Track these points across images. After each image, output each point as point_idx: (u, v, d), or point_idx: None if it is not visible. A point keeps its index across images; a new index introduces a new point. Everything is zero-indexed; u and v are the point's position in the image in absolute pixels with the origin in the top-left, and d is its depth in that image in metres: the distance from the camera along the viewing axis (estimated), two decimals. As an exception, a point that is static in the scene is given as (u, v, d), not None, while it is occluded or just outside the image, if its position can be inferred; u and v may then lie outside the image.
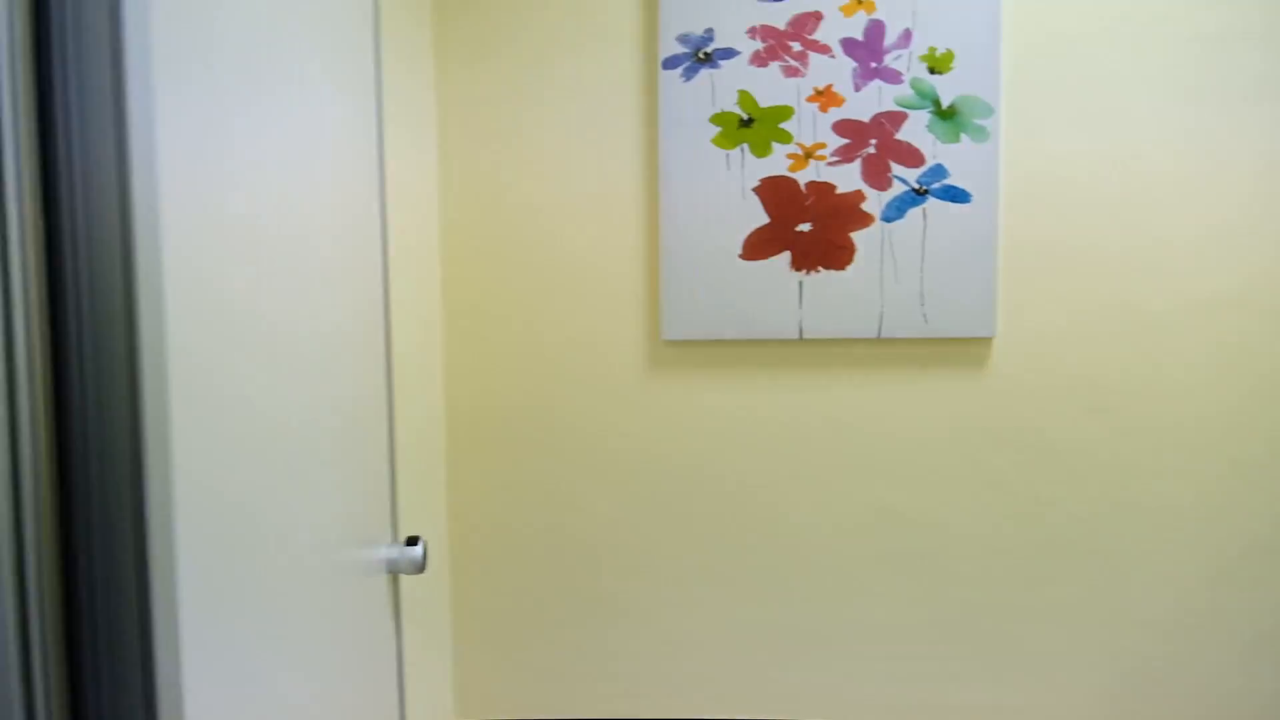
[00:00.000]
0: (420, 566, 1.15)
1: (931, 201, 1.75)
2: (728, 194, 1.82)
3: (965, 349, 1.78)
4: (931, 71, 1.73)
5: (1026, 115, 1.73)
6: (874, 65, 1.75)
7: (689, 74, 1.81)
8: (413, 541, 1.16)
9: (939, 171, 1.74)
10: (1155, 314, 1.72)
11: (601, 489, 1.92)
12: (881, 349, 1.81)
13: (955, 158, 1.73)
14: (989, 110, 1.72)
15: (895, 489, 1.82)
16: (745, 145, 1.81)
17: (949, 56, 1.72)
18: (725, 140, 1.81)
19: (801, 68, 1.78)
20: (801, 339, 1.82)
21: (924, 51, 1.73)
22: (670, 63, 1.82)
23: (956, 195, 1.74)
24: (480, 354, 1.93)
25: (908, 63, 1.74)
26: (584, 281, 1.90)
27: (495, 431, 1.93)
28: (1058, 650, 1.80)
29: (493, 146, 1.89)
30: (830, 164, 1.78)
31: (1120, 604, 1.77)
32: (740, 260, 1.83)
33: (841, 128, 1.77)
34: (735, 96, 1.80)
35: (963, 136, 1.73)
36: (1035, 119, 1.73)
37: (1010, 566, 1.80)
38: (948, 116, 1.73)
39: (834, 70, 1.77)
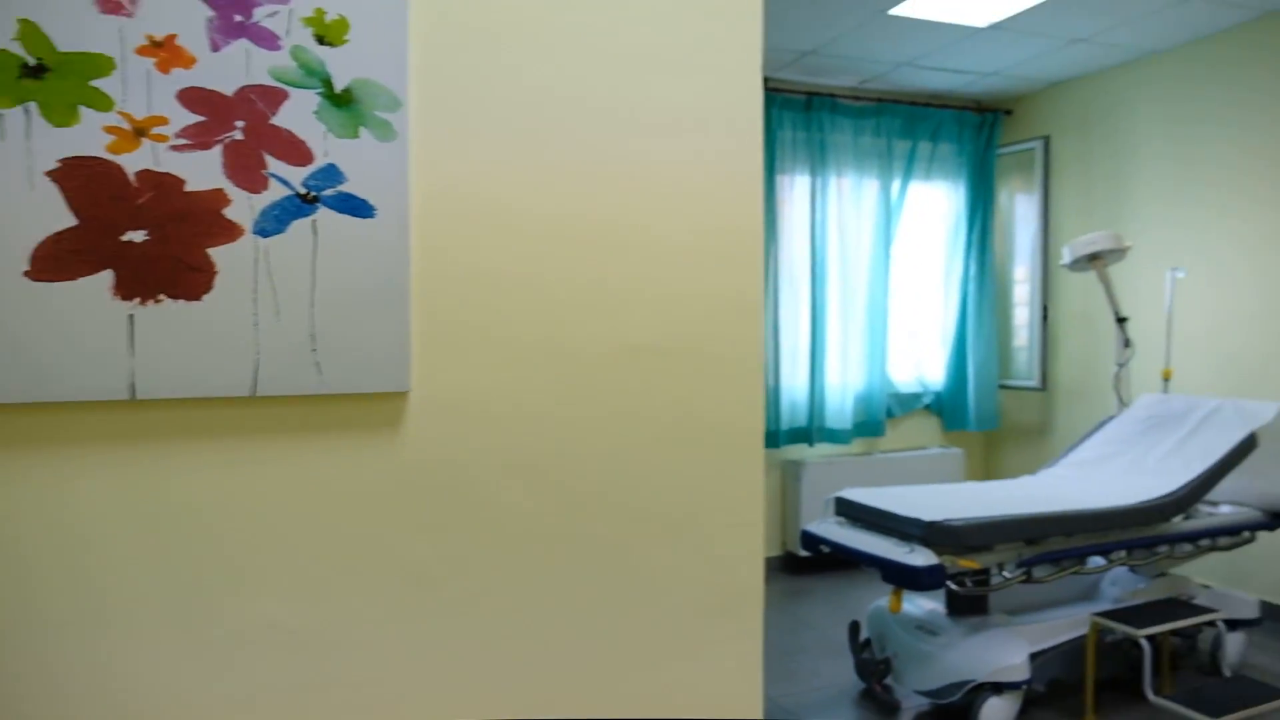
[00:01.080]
0: None
1: (324, 213, 1.32)
2: (2, 177, 1.17)
3: (373, 408, 1.37)
4: (320, 41, 1.31)
5: (443, 115, 1.40)
6: (239, 20, 1.27)
7: (-77, -20, 1.13)
8: None
9: (333, 174, 1.32)
10: (593, 361, 1.50)
11: None
12: (258, 412, 1.31)
13: (354, 158, 1.33)
14: (395, 102, 1.34)
15: (283, 599, 1.33)
16: (33, 105, 1.18)
17: (342, 25, 1.31)
18: (-5, 93, 1.17)
19: (127, 3, 1.22)
20: (135, 400, 1.24)
21: (309, 13, 1.30)
22: (-115, -45, 1.12)
23: (357, 207, 1.33)
24: None
25: (287, 24, 1.29)
26: None
27: None
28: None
29: None
30: (176, 148, 1.24)
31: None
32: (28, 280, 1.19)
33: (192, 99, 1.25)
34: (13, 28, 1.17)
35: (363, 131, 1.33)
36: (454, 121, 1.40)
37: (442, 682, 1.42)
38: (343, 103, 1.32)
39: (179, 16, 1.24)
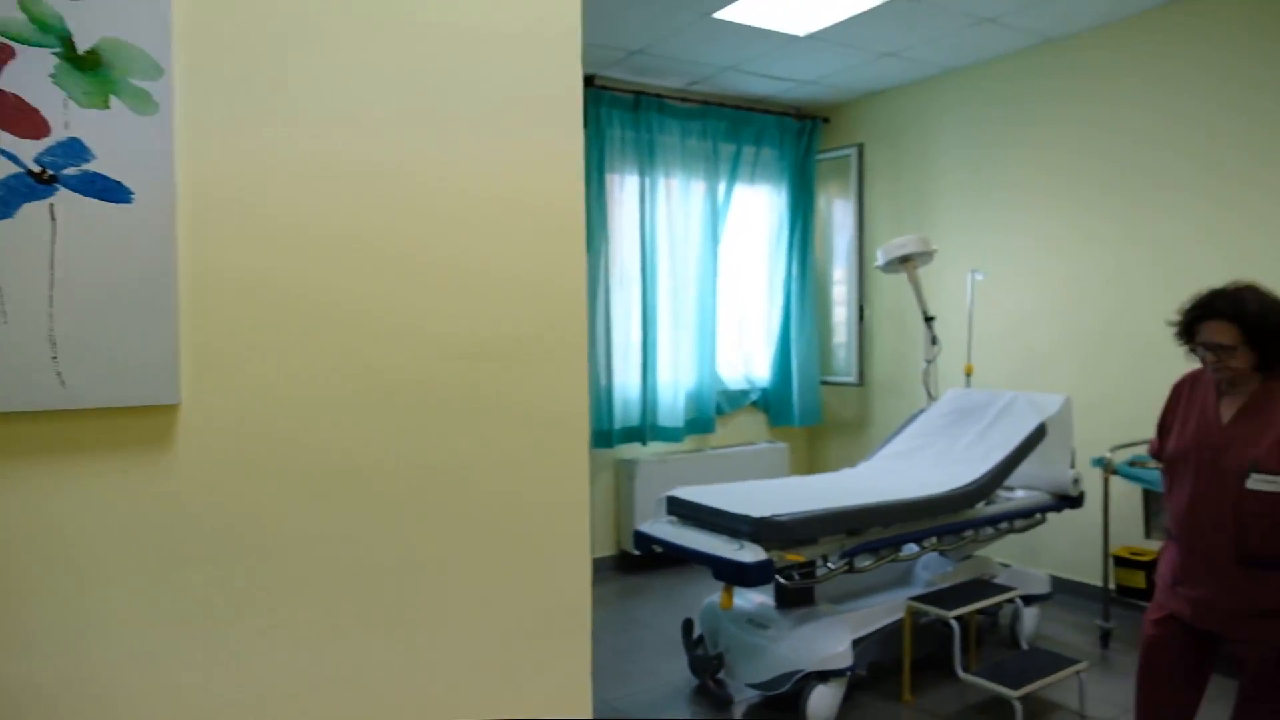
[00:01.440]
0: None
1: (65, 195, 1.11)
2: None
3: (134, 423, 1.18)
4: (58, -8, 1.10)
5: (218, 87, 1.22)
6: (-53, -41, 1.05)
7: None
8: None
9: (76, 150, 1.12)
10: (399, 365, 1.36)
11: None
12: (-19, 432, 1.09)
13: (104, 132, 1.13)
14: (155, 69, 1.16)
15: (31, 658, 1.11)
16: None
17: (86, -26, 1.12)
18: None
19: None
20: None
21: (41, -43, 1.09)
22: None
23: (108, 189, 1.14)
24: None
25: (12, -31, 1.08)
26: None
27: None
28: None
29: None
30: None
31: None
32: None
33: (-119, 51, 1.02)
34: None
35: (114, 101, 1.14)
36: (232, 95, 1.23)
37: (224, 730, 1.25)
38: (88, 67, 1.12)
39: None
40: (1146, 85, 4.08)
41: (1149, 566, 3.79)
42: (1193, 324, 2.37)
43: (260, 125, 1.25)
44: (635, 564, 5.08)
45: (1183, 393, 2.52)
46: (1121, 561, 3.93)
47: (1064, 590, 4.32)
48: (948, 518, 3.38)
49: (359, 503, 1.33)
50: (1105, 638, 3.78)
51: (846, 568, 3.15)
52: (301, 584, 1.29)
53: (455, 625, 1.42)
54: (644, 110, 5.01)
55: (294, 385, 1.27)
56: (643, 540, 3.31)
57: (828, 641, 3.07)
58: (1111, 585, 3.86)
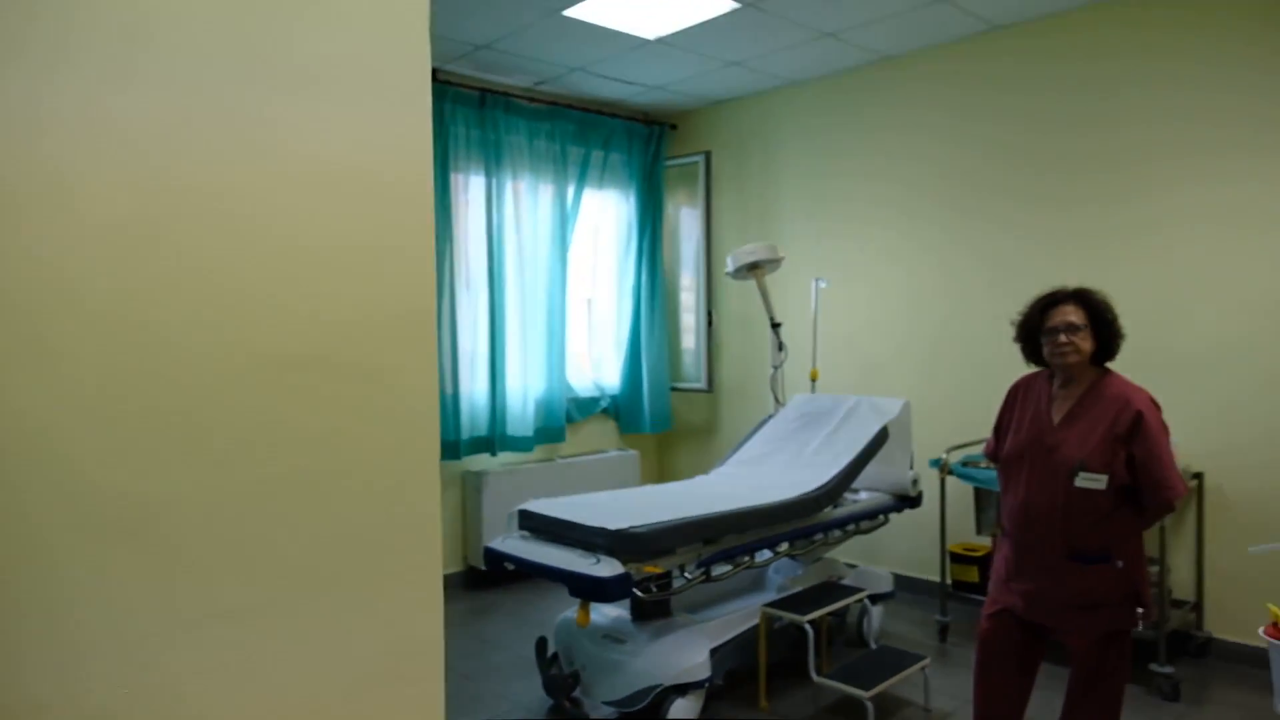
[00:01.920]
0: None
1: None
2: None
3: None
4: None
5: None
6: None
7: None
8: None
9: None
10: (207, 380, 1.16)
11: None
12: None
13: None
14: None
15: None
16: None
17: None
18: None
19: None
20: None
21: None
22: None
23: None
24: None
25: None
26: None
27: None
28: None
29: None
30: None
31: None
32: None
33: None
34: None
35: None
36: (-9, 51, 1.00)
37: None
38: None
39: None
40: (972, 103, 4.33)
41: (981, 561, 3.99)
42: (1044, 312, 2.50)
43: (24, 87, 1.02)
44: (483, 580, 4.88)
45: (1018, 395, 2.65)
46: (956, 557, 4.12)
47: (903, 587, 4.49)
48: (800, 522, 3.41)
49: (156, 546, 1.12)
50: (943, 631, 3.95)
51: (704, 577, 3.12)
52: (88, 645, 1.07)
53: (283, 678, 1.23)
54: (490, 109, 4.83)
55: (68, 407, 1.05)
56: (494, 558, 3.14)
57: (686, 653, 3.01)
58: (948, 580, 4.04)
